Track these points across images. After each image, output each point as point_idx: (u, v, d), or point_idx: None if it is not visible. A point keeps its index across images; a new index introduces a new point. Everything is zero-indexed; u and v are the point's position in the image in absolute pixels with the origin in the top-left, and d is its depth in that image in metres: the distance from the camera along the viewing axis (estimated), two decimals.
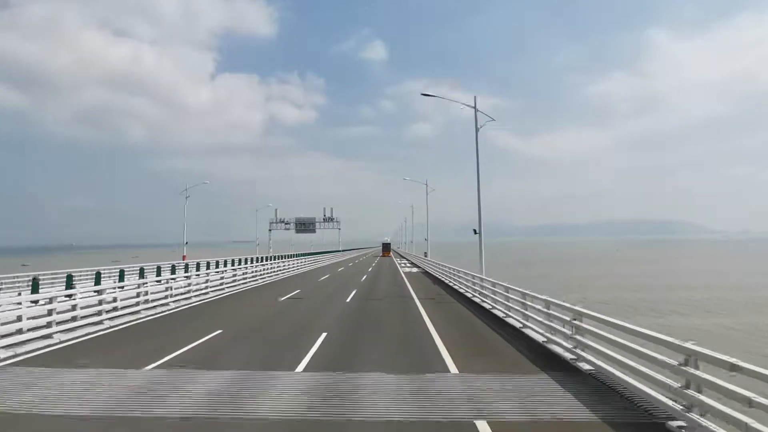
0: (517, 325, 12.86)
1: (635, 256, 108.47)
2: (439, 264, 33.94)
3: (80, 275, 21.04)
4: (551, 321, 10.27)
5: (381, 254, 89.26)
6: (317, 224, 79.82)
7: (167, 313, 16.81)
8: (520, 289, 12.88)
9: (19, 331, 10.97)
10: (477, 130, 21.35)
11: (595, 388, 7.70)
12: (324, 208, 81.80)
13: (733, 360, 5.31)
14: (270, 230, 78.74)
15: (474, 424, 6.30)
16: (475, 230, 21.27)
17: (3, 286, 17.87)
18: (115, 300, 14.87)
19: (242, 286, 27.12)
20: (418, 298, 21.14)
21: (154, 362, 9.64)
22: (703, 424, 5.51)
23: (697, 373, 5.76)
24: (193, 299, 20.20)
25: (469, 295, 20.80)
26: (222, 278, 24.81)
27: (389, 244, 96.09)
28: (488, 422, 6.31)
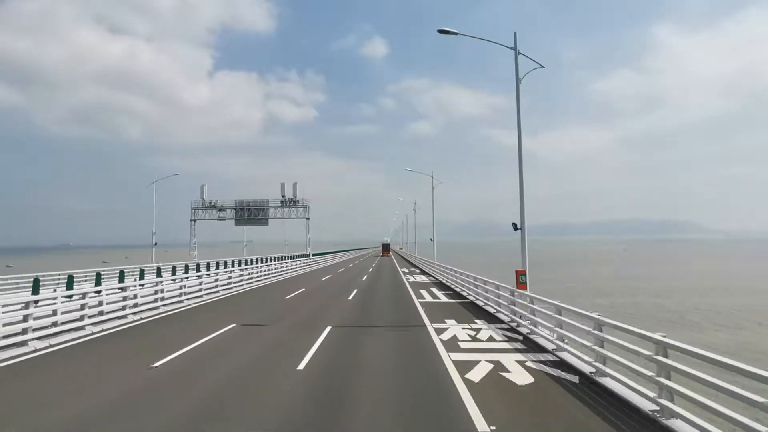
0: None
1: (644, 257, 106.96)
2: None
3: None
4: None
5: (381, 254, 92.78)
6: (271, 211, 53.82)
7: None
8: None
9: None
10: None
11: None
12: (282, 185, 53.93)
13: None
14: (194, 221, 53.21)
15: None
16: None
17: None
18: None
19: None
20: None
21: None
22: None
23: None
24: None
25: None
26: None
27: (389, 244, 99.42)
28: None
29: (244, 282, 28.09)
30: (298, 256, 50.38)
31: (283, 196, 54.74)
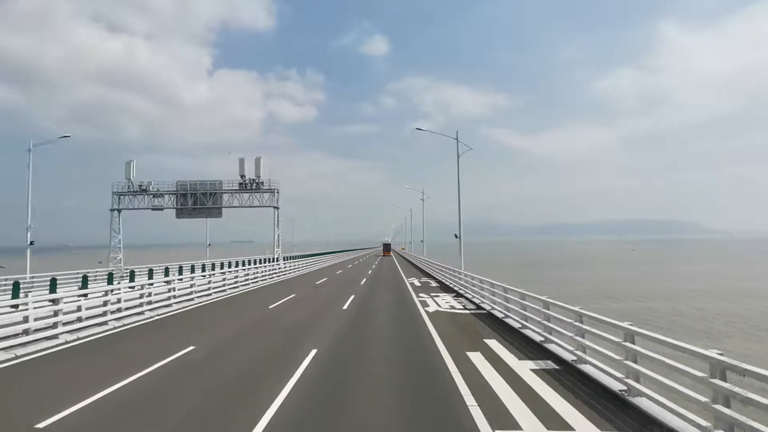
0: None
1: (652, 258, 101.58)
2: None
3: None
4: None
5: (382, 254, 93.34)
6: (226, 197, 38.83)
7: None
8: None
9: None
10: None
11: None
12: (241, 161, 38.85)
13: None
14: (117, 210, 38.33)
15: None
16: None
17: None
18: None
19: None
20: None
21: None
22: None
23: None
24: None
25: None
26: None
27: (390, 244, 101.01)
28: None
29: (120, 317, 13.69)
30: (260, 261, 34.93)
31: (242, 176, 38.84)
